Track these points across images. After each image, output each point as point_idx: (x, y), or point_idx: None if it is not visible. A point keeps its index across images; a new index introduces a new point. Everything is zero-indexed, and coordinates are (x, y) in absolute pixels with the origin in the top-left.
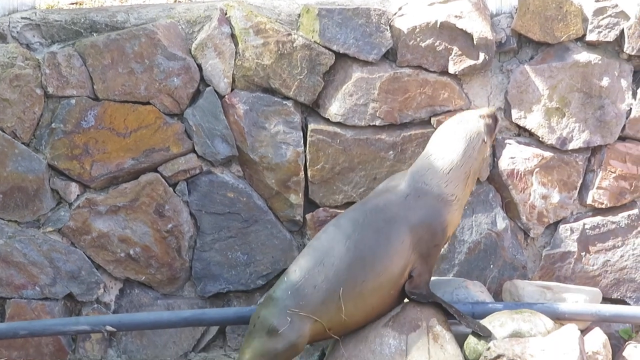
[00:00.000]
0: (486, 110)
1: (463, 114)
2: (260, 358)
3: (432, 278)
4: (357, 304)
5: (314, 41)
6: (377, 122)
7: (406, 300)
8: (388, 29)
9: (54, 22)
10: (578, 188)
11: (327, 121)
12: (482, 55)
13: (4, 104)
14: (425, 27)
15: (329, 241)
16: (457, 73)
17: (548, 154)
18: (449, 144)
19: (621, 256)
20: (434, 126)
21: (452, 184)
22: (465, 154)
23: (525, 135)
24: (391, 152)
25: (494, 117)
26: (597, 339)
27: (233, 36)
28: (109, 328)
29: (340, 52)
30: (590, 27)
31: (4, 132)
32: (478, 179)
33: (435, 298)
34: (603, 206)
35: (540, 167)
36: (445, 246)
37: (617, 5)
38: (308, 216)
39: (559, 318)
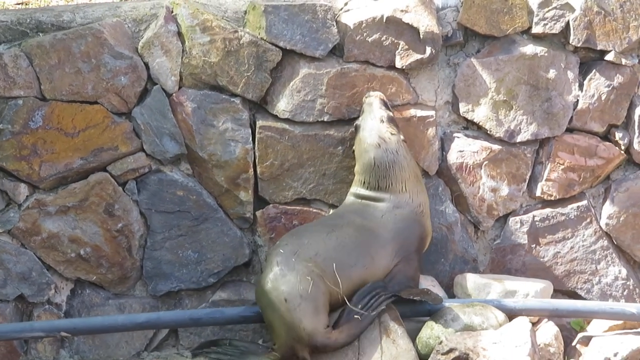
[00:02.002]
0: (378, 108)
1: (369, 132)
2: (313, 319)
3: None
4: (349, 287)
5: (261, 38)
6: (326, 118)
7: None
8: (334, 24)
9: None
10: (527, 180)
11: (276, 118)
12: (428, 49)
13: None
14: (372, 22)
15: (311, 227)
16: (404, 67)
17: (496, 147)
18: (388, 169)
19: (571, 248)
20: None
21: (414, 195)
22: (406, 166)
23: (474, 128)
24: (340, 147)
25: (385, 103)
26: (549, 331)
27: (180, 34)
28: (63, 334)
29: (287, 48)
30: (535, 19)
31: None
32: (427, 172)
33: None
34: (552, 198)
35: (489, 160)
36: None
37: None
38: (258, 213)
39: (516, 315)
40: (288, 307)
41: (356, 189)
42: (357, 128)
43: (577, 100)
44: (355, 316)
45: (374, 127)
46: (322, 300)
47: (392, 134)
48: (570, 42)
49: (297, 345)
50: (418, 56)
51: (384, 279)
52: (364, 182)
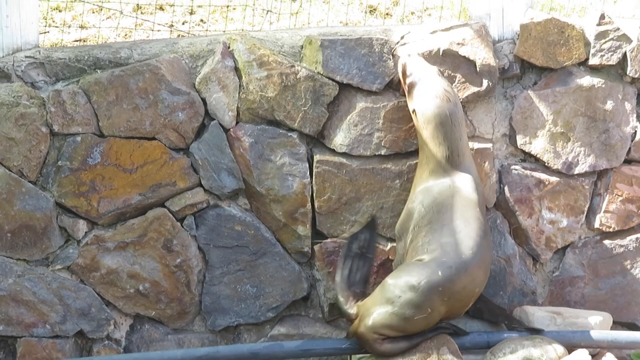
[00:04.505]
0: (436, 75)
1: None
2: None
3: None
4: None
5: (318, 72)
6: (383, 152)
7: None
8: (391, 58)
9: (57, 60)
10: (585, 212)
11: (333, 152)
12: (485, 82)
13: (10, 143)
14: (428, 55)
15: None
16: (461, 100)
17: (554, 179)
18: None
19: (631, 279)
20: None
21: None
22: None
23: (531, 160)
24: (397, 181)
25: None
26: None
27: (236, 69)
28: None
29: (344, 82)
30: (592, 50)
31: (10, 171)
32: (485, 205)
33: None
34: (611, 230)
35: (547, 192)
36: None
37: (618, 29)
38: (316, 247)
39: (575, 347)
40: None
41: (427, 183)
42: (415, 112)
43: (635, 131)
44: None
45: (437, 83)
46: None
47: (454, 94)
48: (628, 73)
49: None
50: (475, 89)
51: None
52: (439, 162)
